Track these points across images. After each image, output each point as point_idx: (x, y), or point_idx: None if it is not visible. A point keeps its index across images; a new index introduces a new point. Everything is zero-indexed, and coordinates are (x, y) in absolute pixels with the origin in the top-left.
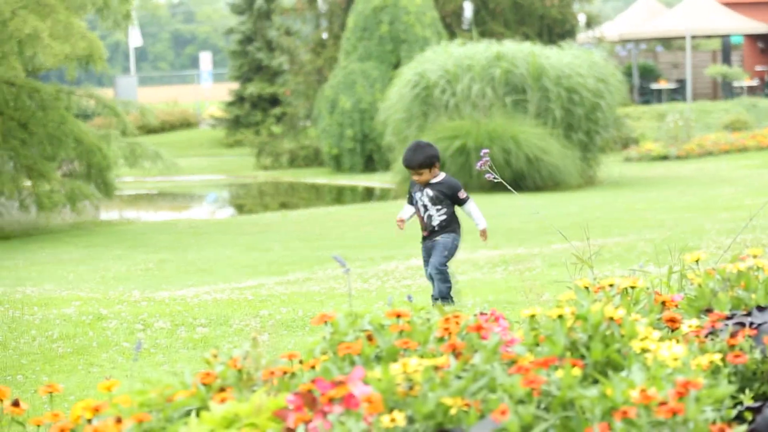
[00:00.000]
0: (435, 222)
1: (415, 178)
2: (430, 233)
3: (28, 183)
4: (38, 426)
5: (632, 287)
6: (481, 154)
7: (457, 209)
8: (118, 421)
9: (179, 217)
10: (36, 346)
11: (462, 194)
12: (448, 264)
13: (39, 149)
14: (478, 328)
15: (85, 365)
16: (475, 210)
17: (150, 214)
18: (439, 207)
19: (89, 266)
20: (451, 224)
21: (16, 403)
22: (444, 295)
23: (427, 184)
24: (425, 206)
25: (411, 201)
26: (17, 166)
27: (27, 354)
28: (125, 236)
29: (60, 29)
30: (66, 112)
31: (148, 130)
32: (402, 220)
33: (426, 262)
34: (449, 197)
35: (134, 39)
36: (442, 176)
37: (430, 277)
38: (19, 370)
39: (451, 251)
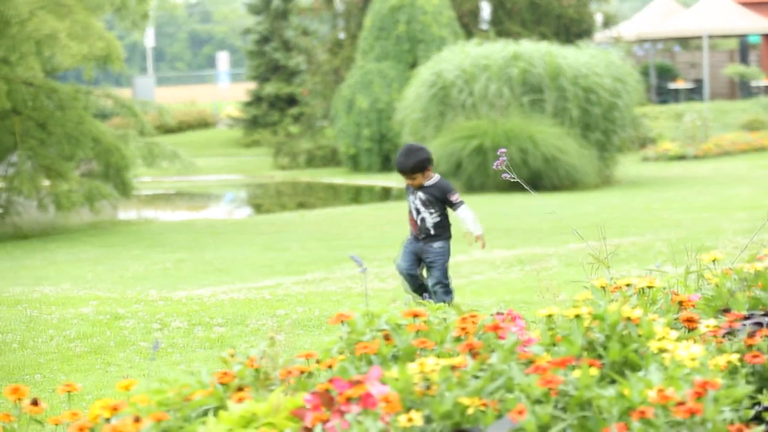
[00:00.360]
0: (429, 225)
1: (409, 182)
2: (425, 237)
3: (46, 183)
4: (57, 425)
5: (649, 287)
6: (498, 153)
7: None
8: (137, 420)
9: (197, 217)
10: (53, 345)
11: (453, 197)
12: (449, 275)
13: (57, 149)
14: (495, 328)
15: (102, 364)
16: (469, 216)
17: (168, 214)
18: (432, 210)
19: (107, 266)
20: (446, 229)
21: (34, 402)
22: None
23: (420, 187)
24: (418, 210)
25: None
26: (36, 166)
27: (45, 353)
28: (143, 236)
29: (78, 29)
30: (84, 112)
31: (166, 130)
32: None
33: (406, 256)
34: (441, 200)
35: (148, 39)
36: (435, 179)
37: (407, 276)
38: (37, 369)
39: (448, 261)
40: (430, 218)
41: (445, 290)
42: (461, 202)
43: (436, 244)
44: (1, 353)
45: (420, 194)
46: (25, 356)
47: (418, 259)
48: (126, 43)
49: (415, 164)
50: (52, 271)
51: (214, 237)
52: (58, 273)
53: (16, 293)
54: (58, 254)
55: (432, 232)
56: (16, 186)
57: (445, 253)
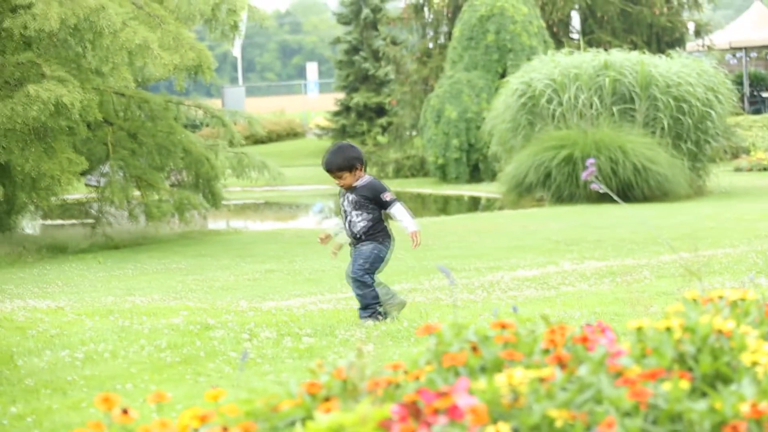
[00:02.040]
0: (356, 228)
1: (337, 182)
2: (356, 241)
3: (137, 193)
4: None
5: (742, 299)
6: (587, 164)
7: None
8: (225, 429)
9: (286, 227)
10: (145, 355)
11: (386, 196)
12: (368, 275)
13: (148, 159)
14: (584, 340)
15: (192, 374)
16: (402, 213)
17: (257, 224)
18: (360, 212)
19: (197, 276)
20: (376, 232)
21: (125, 412)
22: (366, 304)
23: (350, 189)
24: (346, 212)
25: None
26: (127, 176)
27: (136, 363)
28: (232, 246)
29: (169, 40)
30: (174, 122)
31: (255, 140)
32: (325, 237)
33: (351, 261)
34: (372, 201)
35: (235, 49)
36: (366, 179)
37: (349, 280)
38: (129, 378)
39: (373, 261)
40: (358, 221)
41: (359, 285)
42: (395, 201)
43: (365, 246)
44: (94, 363)
45: (350, 195)
46: (117, 366)
47: None
48: (216, 54)
49: (342, 163)
50: (143, 281)
51: (303, 247)
52: (149, 283)
53: (108, 303)
54: (148, 264)
55: (359, 236)
56: (107, 196)
57: (367, 253)
